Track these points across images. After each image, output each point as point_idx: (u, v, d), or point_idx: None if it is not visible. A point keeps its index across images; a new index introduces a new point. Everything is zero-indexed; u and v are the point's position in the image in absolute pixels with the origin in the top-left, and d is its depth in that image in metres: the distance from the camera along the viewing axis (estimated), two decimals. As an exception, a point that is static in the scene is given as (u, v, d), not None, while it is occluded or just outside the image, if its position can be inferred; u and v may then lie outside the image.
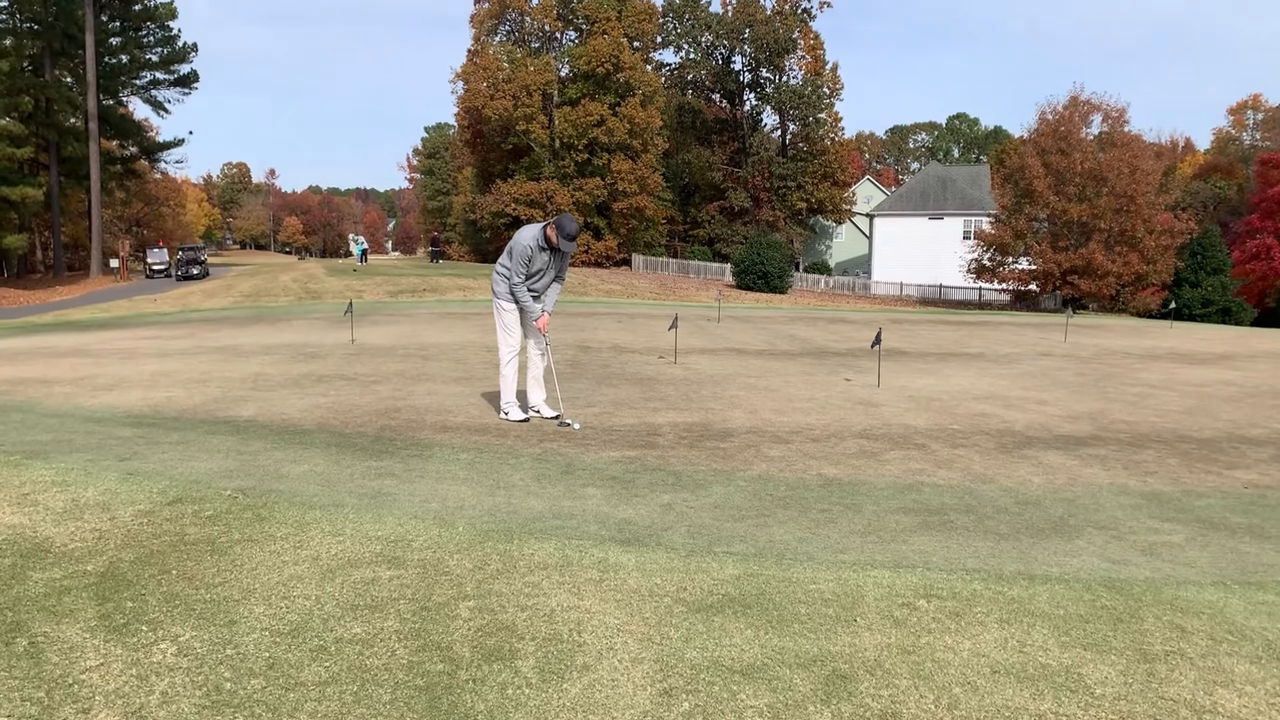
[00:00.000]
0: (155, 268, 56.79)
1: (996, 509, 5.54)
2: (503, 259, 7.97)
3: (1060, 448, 7.56)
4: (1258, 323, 49.84)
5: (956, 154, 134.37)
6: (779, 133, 70.45)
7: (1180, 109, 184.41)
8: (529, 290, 7.92)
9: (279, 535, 4.37)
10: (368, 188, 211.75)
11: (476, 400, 9.23)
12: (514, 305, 7.95)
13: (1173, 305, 36.52)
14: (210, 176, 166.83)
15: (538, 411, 8.28)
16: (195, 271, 51.01)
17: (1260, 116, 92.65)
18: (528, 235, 7.77)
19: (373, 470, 5.97)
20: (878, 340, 11.36)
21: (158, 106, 64.05)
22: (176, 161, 79.68)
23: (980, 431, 8.22)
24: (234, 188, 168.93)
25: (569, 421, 7.93)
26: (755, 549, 4.50)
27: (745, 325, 21.45)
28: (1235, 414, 9.71)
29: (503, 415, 8.15)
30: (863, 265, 71.26)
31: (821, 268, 68.60)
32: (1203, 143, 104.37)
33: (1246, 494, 6.15)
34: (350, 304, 15.23)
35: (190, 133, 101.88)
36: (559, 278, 8.15)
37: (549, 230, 7.75)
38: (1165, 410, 9.86)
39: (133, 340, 16.81)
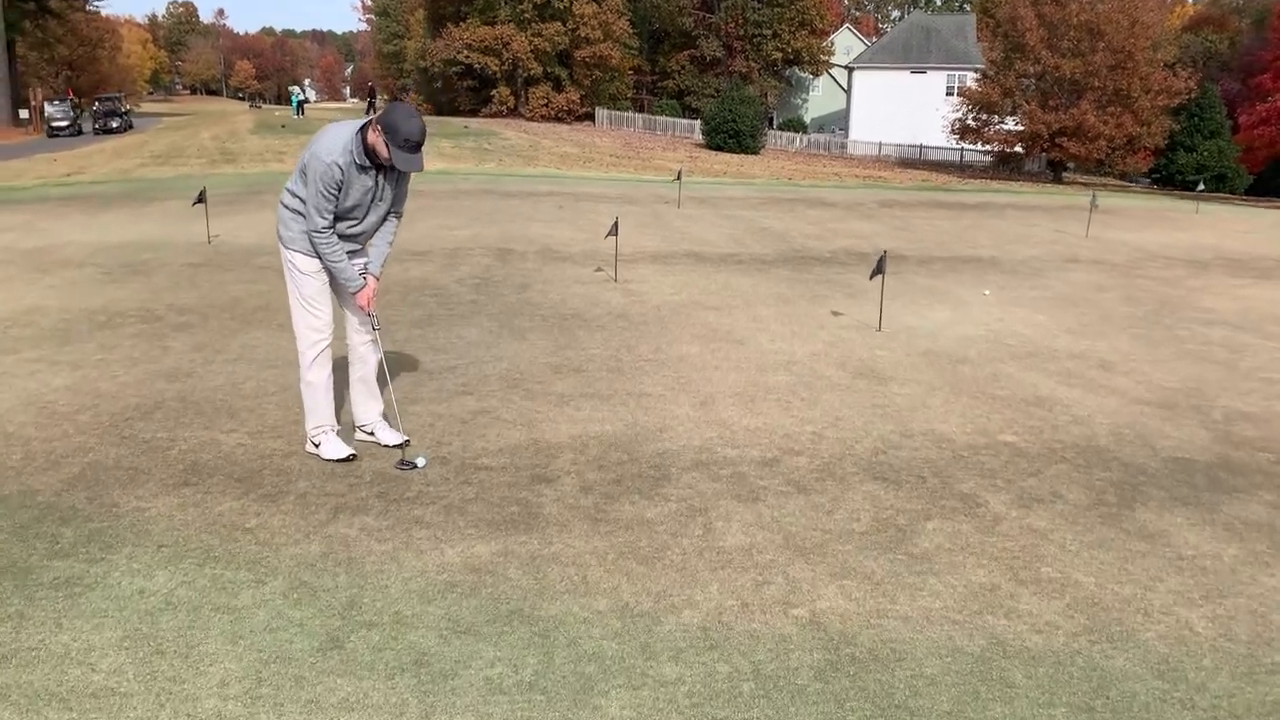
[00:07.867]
0: (55, 124, 43.34)
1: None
2: (293, 182, 4.62)
3: (1194, 513, 4.75)
4: (1252, 190, 46.75)
5: (939, 1, 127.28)
6: (755, -27, 65.06)
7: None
8: (343, 239, 4.65)
9: None
10: (324, 29, 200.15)
11: (295, 382, 6.18)
12: (317, 260, 4.68)
13: (1201, 187, 33.07)
14: (155, 16, 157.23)
15: (371, 434, 5.11)
16: (115, 124, 45.96)
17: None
18: (331, 146, 4.41)
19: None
20: (879, 269, 8.41)
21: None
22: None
23: (1052, 454, 5.37)
24: (181, 29, 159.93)
25: (412, 461, 4.82)
26: None
27: (709, 211, 18.25)
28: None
29: (311, 448, 4.98)
30: (840, 121, 66.92)
31: (797, 124, 64.27)
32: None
33: None
34: (203, 191, 11.90)
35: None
36: (396, 212, 4.85)
37: (371, 134, 4.40)
38: (1283, 386, 7.07)
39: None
